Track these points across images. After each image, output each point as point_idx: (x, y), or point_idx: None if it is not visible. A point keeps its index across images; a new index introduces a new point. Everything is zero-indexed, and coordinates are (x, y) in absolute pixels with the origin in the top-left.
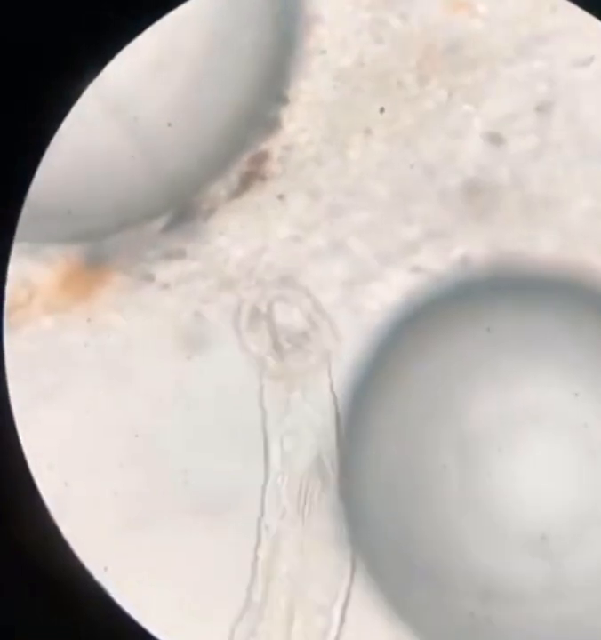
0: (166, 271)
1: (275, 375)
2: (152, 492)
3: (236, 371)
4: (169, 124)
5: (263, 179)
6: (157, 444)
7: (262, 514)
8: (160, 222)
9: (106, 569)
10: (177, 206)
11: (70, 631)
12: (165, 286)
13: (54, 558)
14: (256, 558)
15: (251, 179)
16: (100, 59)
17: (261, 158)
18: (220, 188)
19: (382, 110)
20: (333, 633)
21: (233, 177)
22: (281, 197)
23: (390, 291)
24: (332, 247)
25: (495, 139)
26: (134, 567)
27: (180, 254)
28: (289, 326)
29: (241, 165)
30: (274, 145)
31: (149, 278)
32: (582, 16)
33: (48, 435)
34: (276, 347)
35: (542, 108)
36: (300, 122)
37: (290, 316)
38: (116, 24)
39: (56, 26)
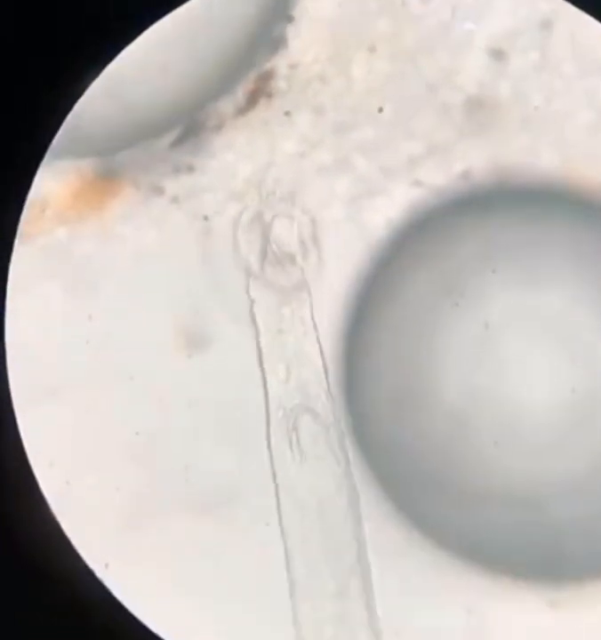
0: (175, 185)
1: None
2: (153, 490)
3: (237, 368)
4: None
5: (269, 96)
6: (158, 442)
7: (270, 449)
8: (169, 137)
9: (107, 566)
10: (185, 122)
11: (71, 629)
12: (175, 199)
13: (55, 556)
14: (276, 486)
15: (257, 96)
16: (100, 59)
17: (267, 76)
18: (226, 105)
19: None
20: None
21: (239, 94)
22: (287, 114)
23: (393, 205)
24: (336, 163)
25: (497, 55)
26: (135, 564)
27: (189, 169)
28: (282, 243)
29: (247, 83)
30: (280, 63)
31: (159, 191)
32: None
33: (49, 433)
34: (263, 254)
35: (544, 25)
36: (305, 40)
37: (286, 235)
38: (116, 24)
39: (56, 26)
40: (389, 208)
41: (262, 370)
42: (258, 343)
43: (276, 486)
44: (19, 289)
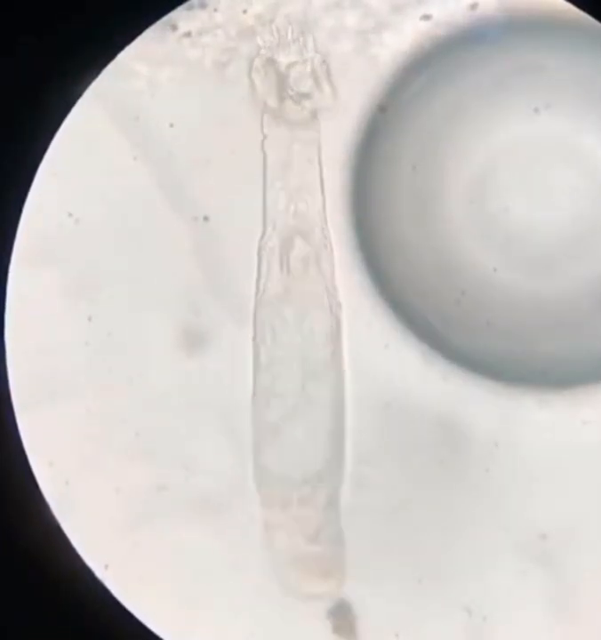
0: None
1: (274, 116)
2: (153, 490)
3: (237, 368)
4: None
5: None
6: (158, 442)
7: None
8: None
9: (107, 567)
10: None
11: (71, 629)
12: (187, 35)
13: (55, 556)
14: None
15: None
16: (100, 59)
17: None
18: None
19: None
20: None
21: None
22: None
23: (402, 39)
24: None
25: None
26: (135, 565)
27: (201, 4)
28: (297, 82)
29: None
30: None
31: (173, 27)
32: None
33: (49, 433)
34: (279, 94)
35: None
36: None
37: (300, 74)
38: (115, 24)
39: (56, 26)
40: (398, 42)
41: (264, 198)
42: (264, 174)
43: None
44: (19, 289)
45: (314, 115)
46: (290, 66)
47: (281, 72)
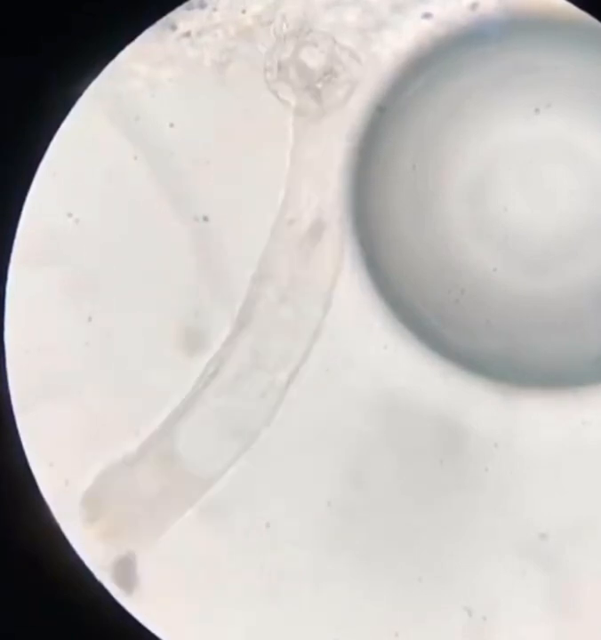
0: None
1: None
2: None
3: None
4: None
5: None
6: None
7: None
8: None
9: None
10: None
11: (71, 629)
12: (187, 35)
13: (55, 556)
14: None
15: None
16: (100, 59)
17: None
18: None
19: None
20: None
21: None
22: None
23: (402, 38)
24: None
25: None
26: (135, 565)
27: (201, 4)
28: (316, 67)
29: None
30: None
31: (172, 27)
32: None
33: (49, 433)
34: (310, 88)
35: None
36: None
37: (315, 58)
38: (115, 24)
39: (56, 26)
40: (398, 40)
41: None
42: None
43: None
44: (19, 289)
45: (349, 92)
46: (299, 48)
47: (296, 61)
